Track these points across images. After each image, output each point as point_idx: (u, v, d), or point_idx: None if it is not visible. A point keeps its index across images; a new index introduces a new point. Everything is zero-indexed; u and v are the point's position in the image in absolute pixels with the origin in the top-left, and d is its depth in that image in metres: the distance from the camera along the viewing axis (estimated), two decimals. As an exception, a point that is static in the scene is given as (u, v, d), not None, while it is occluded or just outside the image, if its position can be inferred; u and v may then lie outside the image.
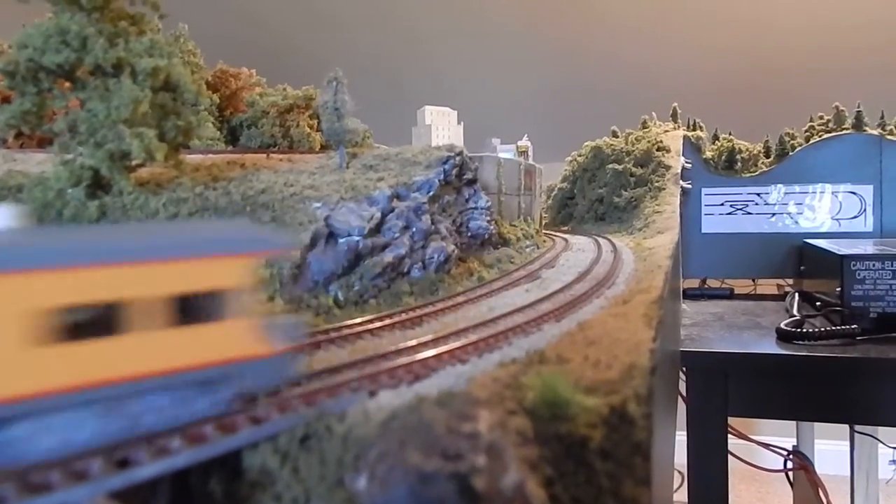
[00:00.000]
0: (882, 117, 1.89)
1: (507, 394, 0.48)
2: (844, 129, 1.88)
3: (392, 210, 1.05)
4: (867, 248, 1.38)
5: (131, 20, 0.94)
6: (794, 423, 2.03)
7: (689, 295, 1.83)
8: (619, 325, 0.70)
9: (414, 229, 1.05)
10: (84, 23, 0.88)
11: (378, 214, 1.02)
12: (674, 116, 2.23)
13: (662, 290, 0.85)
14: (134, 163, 0.91)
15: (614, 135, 2.21)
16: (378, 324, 0.77)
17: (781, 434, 2.01)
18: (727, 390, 1.27)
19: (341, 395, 0.52)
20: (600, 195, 1.99)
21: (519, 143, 2.17)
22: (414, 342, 0.65)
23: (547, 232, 1.82)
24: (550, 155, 2.33)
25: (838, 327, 1.26)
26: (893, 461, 1.97)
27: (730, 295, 1.84)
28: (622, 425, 0.46)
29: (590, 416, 0.45)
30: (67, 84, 0.91)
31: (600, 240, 1.57)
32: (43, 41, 0.86)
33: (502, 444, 0.40)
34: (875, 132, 1.81)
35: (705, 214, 1.89)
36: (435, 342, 0.65)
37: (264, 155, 1.32)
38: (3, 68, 0.87)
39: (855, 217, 1.76)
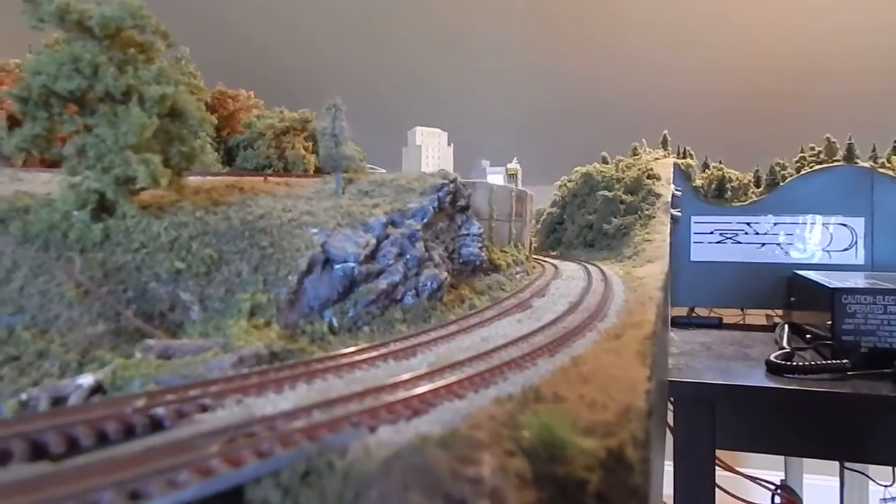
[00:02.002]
0: (874, 150, 1.91)
1: (504, 433, 0.49)
2: (836, 160, 1.90)
3: (387, 237, 1.06)
4: (858, 281, 1.40)
5: (140, 48, 0.95)
6: (782, 456, 2.03)
7: (678, 323, 1.84)
8: (612, 361, 0.70)
9: (408, 256, 1.06)
10: (96, 51, 0.90)
11: (373, 241, 1.03)
12: (664, 144, 2.25)
13: (655, 326, 0.86)
14: (138, 186, 0.92)
15: (604, 161, 2.22)
16: (374, 353, 0.77)
17: (769, 468, 2.01)
18: (715, 422, 1.28)
19: (342, 429, 0.52)
20: (590, 221, 2.01)
21: (509, 166, 2.18)
22: (411, 375, 0.65)
23: (536, 257, 1.83)
24: (539, 178, 2.34)
25: (829, 361, 1.27)
26: (885, 500, 1.96)
27: (718, 324, 1.85)
28: (619, 469, 0.47)
29: (587, 458, 0.46)
30: (74, 108, 0.92)
31: (590, 267, 1.58)
32: (56, 68, 0.87)
33: (505, 489, 0.40)
34: (867, 164, 1.82)
35: (694, 242, 1.90)
36: (431, 376, 0.66)
37: (262, 178, 1.32)
38: (16, 94, 0.89)
39: (846, 249, 1.77)
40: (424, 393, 0.59)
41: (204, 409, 0.58)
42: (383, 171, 1.81)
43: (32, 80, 0.88)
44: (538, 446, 0.47)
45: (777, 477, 1.96)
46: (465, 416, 0.54)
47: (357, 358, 0.75)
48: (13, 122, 1.26)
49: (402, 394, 0.60)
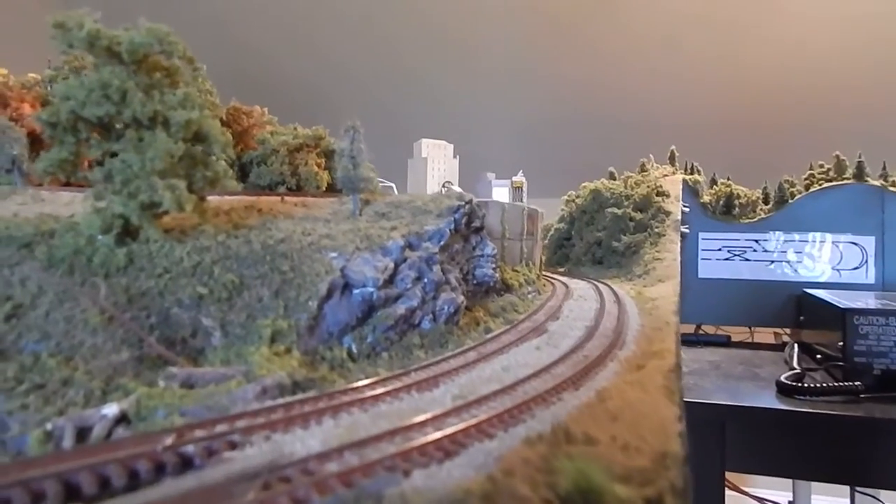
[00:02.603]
0: (884, 168, 1.90)
1: (539, 479, 0.49)
2: (845, 178, 1.89)
3: (405, 260, 1.06)
4: (870, 302, 1.39)
5: (166, 72, 0.95)
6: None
7: (686, 341, 1.82)
8: (638, 395, 0.70)
9: (426, 280, 1.06)
10: (124, 76, 0.90)
11: (391, 265, 1.02)
12: (671, 159, 2.24)
13: (677, 357, 0.86)
14: (161, 210, 0.92)
15: (612, 176, 2.22)
16: (397, 384, 0.77)
17: (777, 488, 2.00)
18: (724, 443, 1.27)
19: (376, 473, 0.52)
20: (599, 238, 2.01)
21: (514, 179, 2.18)
22: (439, 412, 0.65)
23: (545, 274, 1.83)
24: (545, 191, 2.33)
25: (841, 384, 1.26)
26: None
27: (726, 342, 1.84)
28: (659, 518, 0.47)
29: (624, 507, 0.46)
30: (100, 132, 0.93)
31: (600, 286, 1.58)
32: (86, 94, 0.88)
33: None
34: (877, 183, 1.82)
35: (702, 259, 1.90)
36: (458, 412, 0.66)
37: (279, 198, 1.32)
38: (46, 119, 0.89)
39: (856, 268, 1.77)
40: (455, 433, 0.59)
41: (233, 445, 0.58)
42: (391, 184, 1.81)
43: (61, 105, 0.88)
44: (574, 494, 0.47)
45: (785, 498, 1.95)
46: (496, 458, 0.54)
47: (380, 390, 0.74)
48: (34, 140, 1.27)
49: (431, 433, 0.59)
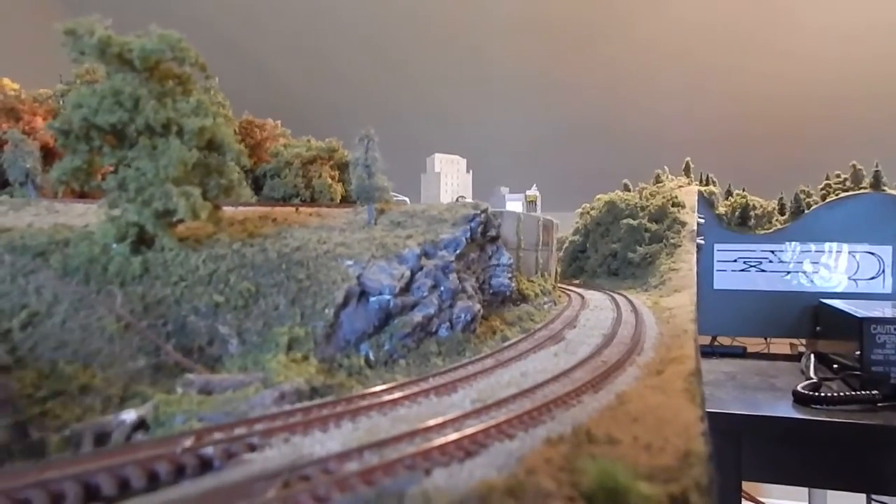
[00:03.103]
0: (901, 177, 1.89)
1: (562, 478, 0.48)
2: (862, 188, 1.88)
3: (421, 268, 1.05)
4: (887, 311, 1.38)
5: (178, 80, 0.95)
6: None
7: (702, 352, 1.82)
8: (659, 399, 0.70)
9: (442, 288, 1.05)
10: (136, 84, 0.90)
11: (407, 273, 1.02)
12: (686, 171, 2.24)
13: (696, 362, 0.86)
14: (176, 219, 0.92)
15: (626, 188, 2.22)
16: (415, 388, 0.77)
17: (792, 497, 1.99)
18: (741, 453, 1.26)
19: (397, 472, 0.52)
20: (614, 250, 2.00)
21: (528, 193, 2.18)
22: (458, 413, 0.65)
23: (561, 286, 1.82)
24: (558, 205, 2.33)
25: (858, 392, 1.26)
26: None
27: (742, 353, 1.83)
28: (684, 516, 0.46)
29: (649, 504, 0.45)
30: (114, 141, 0.93)
31: (616, 297, 1.58)
32: (97, 102, 0.88)
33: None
34: (894, 192, 1.81)
35: (717, 270, 1.89)
36: (478, 414, 0.66)
37: (293, 209, 1.33)
38: (58, 127, 0.89)
39: (873, 278, 1.76)
40: (475, 433, 0.59)
41: (252, 448, 0.58)
42: (405, 199, 1.81)
43: (73, 113, 0.88)
44: (599, 492, 0.46)
45: (800, 507, 1.95)
46: (518, 458, 0.53)
47: (398, 394, 0.74)
48: (47, 153, 1.27)
49: (452, 434, 0.59)
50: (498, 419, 0.63)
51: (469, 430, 0.59)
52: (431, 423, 0.62)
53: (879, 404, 1.24)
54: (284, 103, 2.19)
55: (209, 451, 0.56)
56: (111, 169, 0.94)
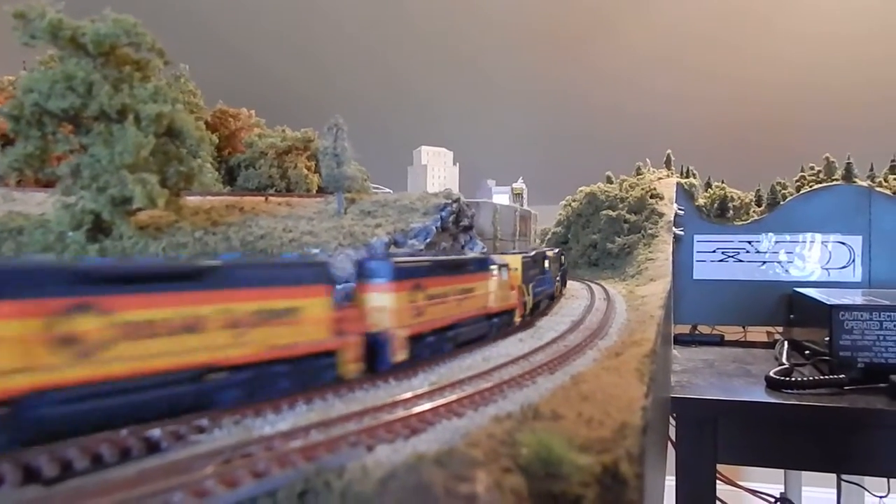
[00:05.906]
0: (871, 169, 1.92)
1: (502, 451, 0.48)
2: (834, 180, 1.90)
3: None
4: (855, 298, 1.40)
5: (136, 66, 0.95)
6: (782, 470, 2.02)
7: (680, 341, 1.83)
8: (612, 379, 0.70)
9: (409, 276, 1.06)
10: (90, 69, 0.89)
11: (374, 261, 1.02)
12: (667, 163, 2.25)
13: (654, 344, 0.86)
14: (135, 207, 0.92)
15: (609, 180, 2.22)
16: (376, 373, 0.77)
17: (769, 481, 2.01)
18: (717, 437, 1.28)
19: (340, 449, 0.52)
20: (594, 241, 2.01)
21: (514, 186, 2.18)
22: (410, 394, 0.65)
23: (539, 276, 1.83)
24: (544, 198, 2.34)
25: (826, 377, 1.27)
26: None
27: (720, 341, 1.84)
28: (614, 485, 0.46)
29: (583, 474, 0.46)
30: (69, 127, 0.92)
31: (593, 286, 1.58)
32: (49, 86, 0.87)
33: (499, 505, 0.40)
34: (865, 184, 1.83)
35: (697, 261, 1.90)
36: (430, 395, 0.66)
37: (263, 198, 1.33)
38: (7, 112, 0.88)
39: (844, 267, 1.77)
40: (423, 412, 0.59)
41: (201, 430, 0.58)
42: (388, 191, 1.81)
43: (24, 97, 0.87)
44: (535, 463, 0.46)
45: (777, 490, 1.96)
46: (463, 434, 0.53)
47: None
48: (7, 142, 1.27)
49: (400, 413, 0.59)
50: (448, 399, 0.63)
51: (416, 409, 0.60)
52: (380, 403, 0.62)
53: (846, 388, 1.26)
54: (268, 95, 2.19)
55: (156, 433, 0.56)
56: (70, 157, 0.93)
